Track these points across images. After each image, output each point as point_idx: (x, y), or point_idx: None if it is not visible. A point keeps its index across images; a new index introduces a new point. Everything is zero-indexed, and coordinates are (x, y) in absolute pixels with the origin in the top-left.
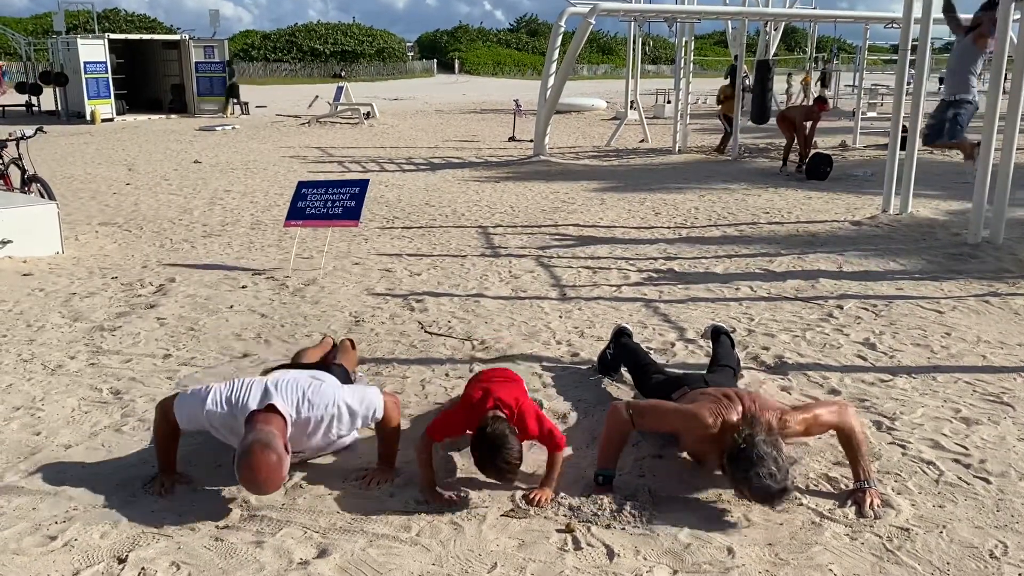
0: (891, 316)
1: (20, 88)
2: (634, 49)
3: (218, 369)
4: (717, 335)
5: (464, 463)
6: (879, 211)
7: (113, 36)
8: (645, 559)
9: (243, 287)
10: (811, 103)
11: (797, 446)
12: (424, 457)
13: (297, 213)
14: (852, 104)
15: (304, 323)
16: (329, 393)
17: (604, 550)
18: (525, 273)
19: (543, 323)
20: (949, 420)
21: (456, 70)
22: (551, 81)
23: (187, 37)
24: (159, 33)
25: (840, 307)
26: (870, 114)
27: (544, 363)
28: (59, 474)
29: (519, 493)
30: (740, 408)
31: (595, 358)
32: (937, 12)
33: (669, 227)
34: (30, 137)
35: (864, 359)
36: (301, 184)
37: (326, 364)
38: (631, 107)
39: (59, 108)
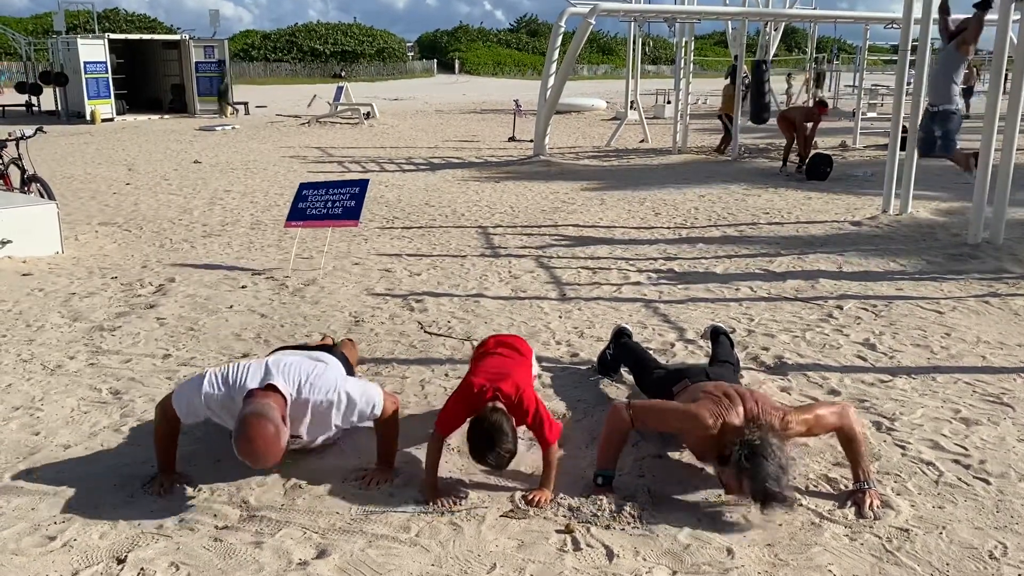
0: (891, 316)
1: (20, 88)
2: (634, 49)
3: None
4: (716, 335)
5: (464, 463)
6: (879, 211)
7: (113, 36)
8: (644, 560)
9: (243, 287)
10: (811, 104)
11: (796, 446)
12: (433, 456)
13: (298, 214)
14: (852, 104)
15: (304, 323)
16: (332, 379)
17: (603, 551)
18: (525, 273)
19: (543, 323)
20: (949, 421)
21: (456, 70)
22: (551, 81)
23: (187, 37)
24: (159, 33)
25: (840, 307)
26: (870, 114)
27: (544, 363)
28: (58, 474)
29: (518, 494)
30: (740, 409)
31: (595, 358)
32: (937, 12)
33: (669, 227)
34: (30, 137)
35: (864, 359)
36: (302, 186)
37: (329, 347)
38: (631, 107)
39: (59, 108)
